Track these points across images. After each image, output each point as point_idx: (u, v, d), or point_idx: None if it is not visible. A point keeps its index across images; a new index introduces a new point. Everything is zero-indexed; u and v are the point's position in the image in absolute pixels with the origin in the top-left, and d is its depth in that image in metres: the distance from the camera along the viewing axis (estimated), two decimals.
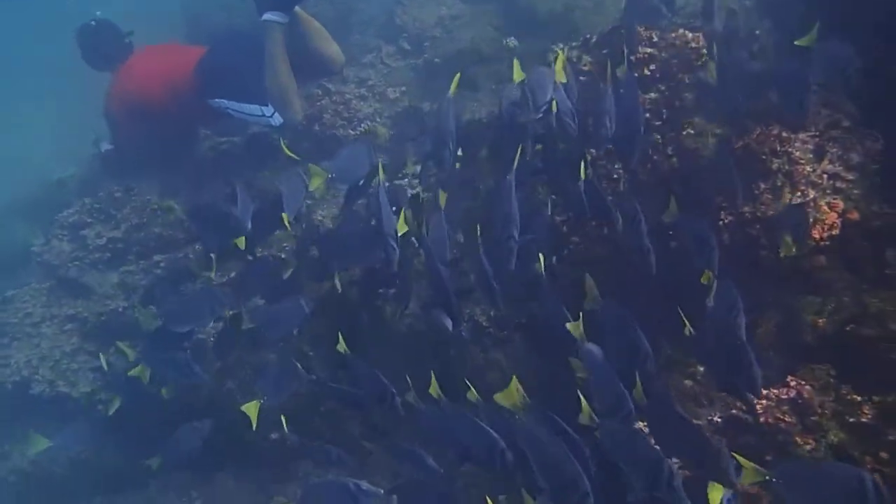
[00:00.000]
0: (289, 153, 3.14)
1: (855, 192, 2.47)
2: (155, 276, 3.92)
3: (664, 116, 2.83)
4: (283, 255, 3.49)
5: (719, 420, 2.39)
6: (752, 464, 1.86)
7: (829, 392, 2.26)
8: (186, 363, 2.96)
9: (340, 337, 2.64)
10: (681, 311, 2.21)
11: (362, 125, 4.31)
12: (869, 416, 2.17)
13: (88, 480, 3.35)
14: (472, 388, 2.38)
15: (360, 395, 2.64)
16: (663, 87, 2.86)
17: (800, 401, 2.24)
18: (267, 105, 4.02)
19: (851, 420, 2.19)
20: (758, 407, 2.30)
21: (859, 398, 2.22)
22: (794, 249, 2.30)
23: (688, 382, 2.67)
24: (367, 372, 2.60)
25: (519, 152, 2.57)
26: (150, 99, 4.11)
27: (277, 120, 4.06)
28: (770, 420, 2.27)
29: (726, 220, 2.61)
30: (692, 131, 2.80)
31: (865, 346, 2.29)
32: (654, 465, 1.92)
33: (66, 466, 3.09)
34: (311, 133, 4.30)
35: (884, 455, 2.09)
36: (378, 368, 3.46)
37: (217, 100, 4.06)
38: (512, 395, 2.22)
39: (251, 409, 2.69)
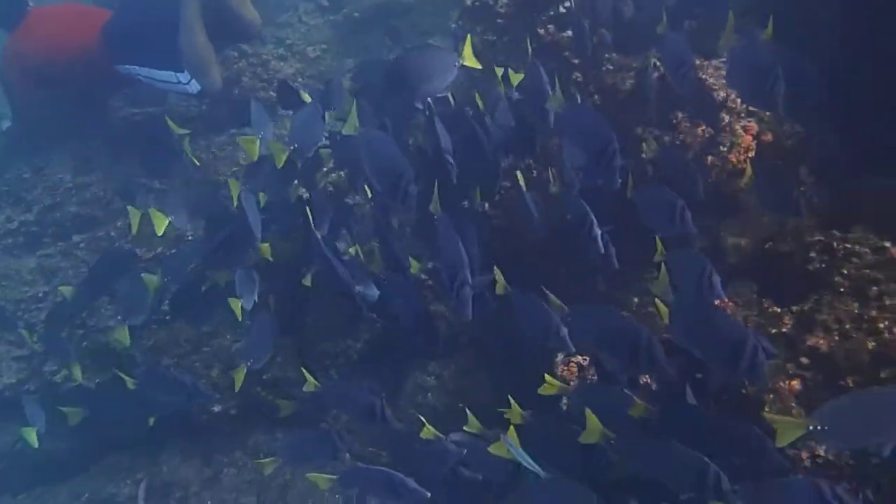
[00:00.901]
0: (176, 128, 3.00)
1: (767, 114, 2.55)
2: (75, 257, 3.73)
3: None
4: None
5: None
6: (787, 419, 1.75)
7: (752, 307, 2.36)
8: (193, 385, 2.77)
9: (306, 373, 2.57)
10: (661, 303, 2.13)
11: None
12: (789, 326, 2.28)
13: (24, 470, 3.22)
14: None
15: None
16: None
17: None
18: (183, 71, 3.82)
19: (773, 331, 2.30)
20: None
21: (779, 310, 2.32)
22: None
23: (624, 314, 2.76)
24: (351, 390, 2.51)
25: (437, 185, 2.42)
26: (52, 62, 3.84)
27: (195, 87, 3.87)
28: None
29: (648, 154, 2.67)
30: (611, 67, 2.82)
31: (784, 260, 2.39)
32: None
33: None
34: (231, 98, 4.14)
35: (804, 360, 2.20)
36: (318, 326, 3.48)
37: (126, 66, 3.84)
38: (501, 448, 2.14)
39: (238, 374, 2.64)
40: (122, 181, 3.93)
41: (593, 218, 2.31)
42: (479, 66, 2.45)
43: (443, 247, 2.24)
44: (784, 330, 2.29)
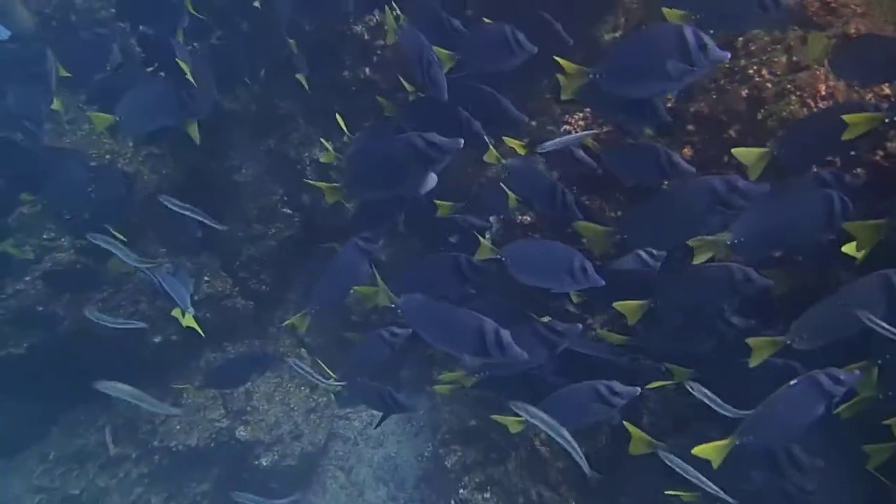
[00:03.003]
0: None
1: None
2: None
3: None
4: None
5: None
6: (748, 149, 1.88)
7: None
8: None
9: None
10: None
11: None
12: (672, 100, 2.35)
13: None
14: None
15: None
16: None
17: None
18: None
19: None
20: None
21: None
22: None
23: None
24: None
25: None
26: None
27: (4, 32, 3.53)
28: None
29: None
30: None
31: None
32: None
33: None
34: (70, 25, 3.77)
35: (690, 127, 2.30)
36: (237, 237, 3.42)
37: None
38: None
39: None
40: None
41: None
42: None
43: None
44: (669, 105, 2.36)
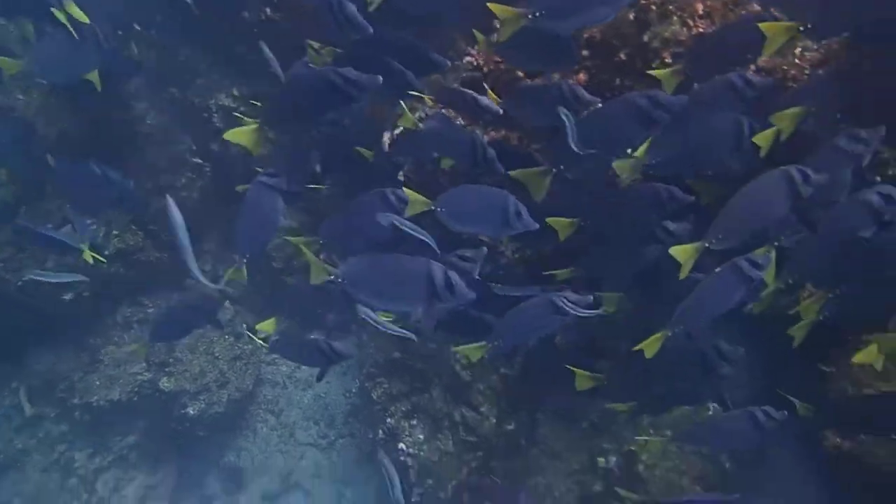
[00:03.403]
0: None
1: None
2: None
3: None
4: None
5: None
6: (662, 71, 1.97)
7: None
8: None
9: None
10: None
11: None
12: None
13: None
14: None
15: None
16: None
17: None
18: None
19: None
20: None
21: None
22: None
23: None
24: None
25: None
26: None
27: None
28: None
29: None
30: None
31: None
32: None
33: None
34: None
35: (584, 52, 2.38)
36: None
37: None
38: None
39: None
40: None
41: None
42: None
43: None
44: None
